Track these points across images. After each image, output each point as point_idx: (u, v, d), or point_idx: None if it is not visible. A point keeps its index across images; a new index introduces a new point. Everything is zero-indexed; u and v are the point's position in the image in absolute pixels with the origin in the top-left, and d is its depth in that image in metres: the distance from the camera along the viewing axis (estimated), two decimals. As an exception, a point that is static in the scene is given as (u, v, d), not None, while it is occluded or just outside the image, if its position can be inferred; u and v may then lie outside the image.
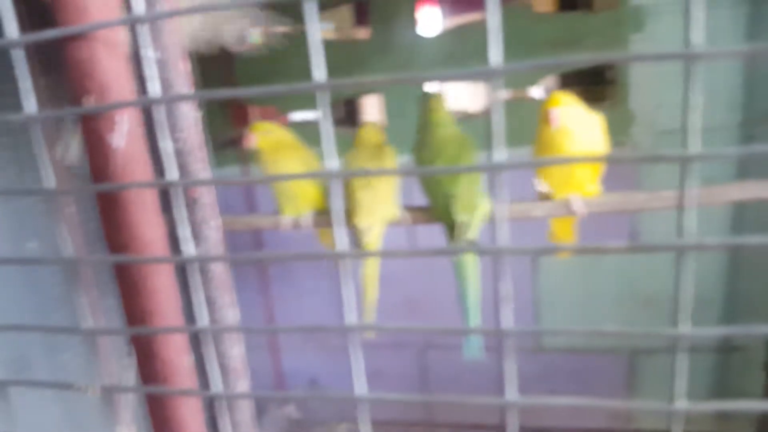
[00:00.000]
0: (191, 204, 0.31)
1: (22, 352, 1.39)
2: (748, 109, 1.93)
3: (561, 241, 1.69)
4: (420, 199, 1.77)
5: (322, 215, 1.54)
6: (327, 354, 2.49)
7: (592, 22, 1.97)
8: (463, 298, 1.50)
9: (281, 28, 2.30)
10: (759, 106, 1.92)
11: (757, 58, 0.24)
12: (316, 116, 2.46)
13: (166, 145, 0.25)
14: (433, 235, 1.61)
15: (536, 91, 2.88)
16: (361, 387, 0.29)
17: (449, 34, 2.14)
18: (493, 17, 0.24)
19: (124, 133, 0.29)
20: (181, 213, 0.26)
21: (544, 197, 1.54)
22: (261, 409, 2.60)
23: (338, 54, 2.23)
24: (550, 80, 2.96)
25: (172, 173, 0.26)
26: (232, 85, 2.30)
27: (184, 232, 0.27)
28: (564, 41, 1.97)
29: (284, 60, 2.25)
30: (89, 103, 0.28)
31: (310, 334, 2.47)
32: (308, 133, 1.81)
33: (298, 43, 2.25)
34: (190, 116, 0.30)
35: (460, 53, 2.11)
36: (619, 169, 2.04)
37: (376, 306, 1.59)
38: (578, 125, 1.41)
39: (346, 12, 2.39)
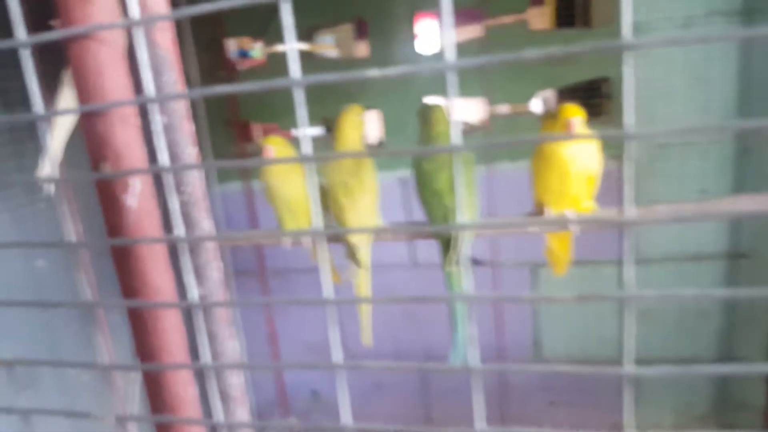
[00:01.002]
0: (195, 250, 0.34)
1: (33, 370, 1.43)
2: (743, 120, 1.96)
3: (558, 257, 1.72)
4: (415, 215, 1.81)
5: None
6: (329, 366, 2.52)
7: (588, 38, 2.01)
8: (452, 311, 1.52)
9: (281, 45, 2.35)
10: (754, 116, 1.95)
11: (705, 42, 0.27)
12: (319, 132, 2.49)
13: (174, 205, 0.29)
14: (431, 249, 1.64)
15: (535, 105, 2.91)
16: (347, 417, 0.32)
17: (443, 52, 2.18)
18: (447, 16, 0.27)
19: (136, 194, 0.32)
20: (186, 264, 0.29)
21: (540, 212, 1.57)
22: (264, 420, 2.62)
23: (338, 70, 2.26)
24: (548, 94, 2.99)
25: (180, 230, 0.29)
26: (234, 102, 2.34)
27: (190, 280, 0.30)
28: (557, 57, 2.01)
29: (284, 76, 2.29)
30: (106, 169, 0.32)
31: (311, 346, 2.49)
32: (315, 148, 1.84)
33: (300, 59, 2.29)
34: (195, 171, 0.33)
35: (459, 70, 2.15)
36: (616, 184, 2.07)
37: (371, 319, 1.62)
38: (581, 143, 1.44)
39: (347, 28, 2.43)
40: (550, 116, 1.48)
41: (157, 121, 0.28)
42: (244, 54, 2.51)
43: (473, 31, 2.21)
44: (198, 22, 2.27)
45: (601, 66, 2.01)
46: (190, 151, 0.33)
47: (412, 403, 2.51)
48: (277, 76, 2.28)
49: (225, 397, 0.36)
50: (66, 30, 0.28)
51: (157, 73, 0.31)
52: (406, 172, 2.15)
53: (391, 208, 2.25)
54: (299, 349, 2.54)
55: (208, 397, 0.35)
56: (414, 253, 2.34)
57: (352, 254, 1.51)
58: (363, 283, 1.57)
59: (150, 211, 0.33)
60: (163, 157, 0.28)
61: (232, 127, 2.38)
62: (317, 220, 0.31)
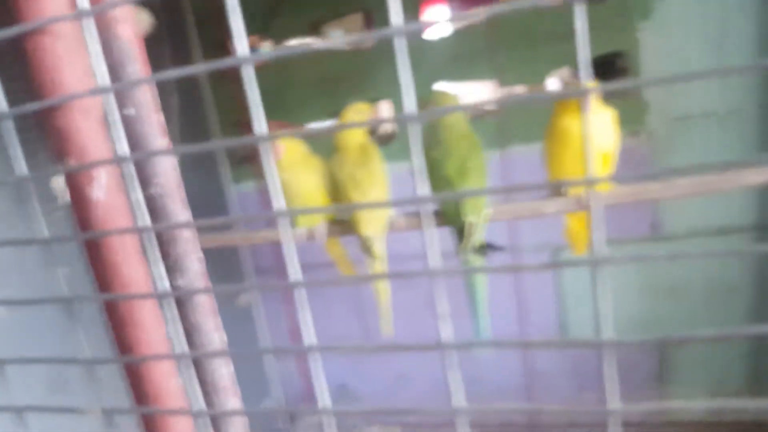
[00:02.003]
0: (173, 241, 0.34)
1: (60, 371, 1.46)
2: (766, 92, 1.91)
3: (577, 237, 1.69)
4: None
5: (334, 225, 1.57)
6: (354, 358, 2.52)
7: (600, 12, 1.96)
8: (472, 300, 1.51)
9: (289, 41, 2.35)
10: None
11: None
12: (332, 125, 2.49)
13: (137, 196, 0.28)
14: (447, 238, 1.62)
15: (552, 84, 2.87)
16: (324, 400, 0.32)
17: (454, 36, 2.15)
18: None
19: (103, 187, 0.32)
20: (153, 254, 0.29)
21: (557, 194, 1.54)
22: (293, 415, 2.64)
23: (345, 62, 2.25)
24: (564, 71, 2.94)
25: (144, 220, 0.29)
26: (242, 103, 2.35)
27: (158, 270, 0.30)
28: (568, 34, 1.97)
29: (292, 73, 2.29)
30: (69, 164, 0.31)
31: (336, 338, 2.50)
32: (320, 143, 1.84)
33: (305, 56, 2.29)
34: (167, 163, 0.33)
35: (468, 54, 2.12)
36: (636, 160, 2.03)
37: (391, 309, 1.62)
38: (597, 116, 1.41)
39: (356, 19, 2.42)
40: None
41: (114, 111, 0.28)
42: (254, 54, 2.52)
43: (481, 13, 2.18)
44: (202, 24, 2.28)
45: (614, 40, 1.97)
46: (160, 143, 0.33)
47: (438, 393, 2.51)
48: (284, 72, 2.28)
49: (214, 388, 0.36)
50: (18, 26, 0.28)
51: (120, 66, 0.31)
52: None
53: (405, 196, 2.25)
54: (323, 341, 2.55)
55: (201, 388, 0.35)
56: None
57: (366, 247, 1.51)
58: (379, 272, 1.57)
59: (118, 203, 0.33)
60: (123, 147, 0.28)
61: (242, 129, 2.39)
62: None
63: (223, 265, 2.32)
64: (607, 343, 0.27)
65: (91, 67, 0.27)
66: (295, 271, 0.30)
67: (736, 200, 2.00)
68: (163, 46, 2.01)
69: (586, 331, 2.28)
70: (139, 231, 0.28)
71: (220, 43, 2.31)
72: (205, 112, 2.36)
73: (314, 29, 2.37)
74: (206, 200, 2.26)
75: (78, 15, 0.26)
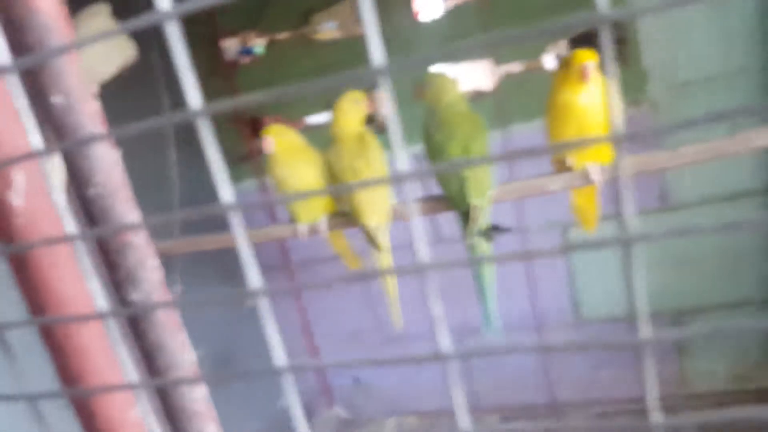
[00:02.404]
0: (122, 249, 0.30)
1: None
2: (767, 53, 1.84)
3: (585, 212, 1.64)
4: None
5: (336, 218, 1.53)
6: (367, 351, 2.49)
7: (593, -19, 1.90)
8: (479, 285, 1.47)
9: (281, 35, 2.29)
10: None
11: None
12: (325, 118, 2.45)
13: (58, 198, 0.24)
14: (455, 223, 1.58)
15: (548, 60, 2.81)
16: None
17: (446, 16, 2.10)
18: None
19: (21, 191, 0.28)
20: (85, 265, 0.25)
21: (563, 168, 1.49)
22: (310, 411, 2.62)
23: (339, 52, 2.21)
24: (560, 46, 2.88)
25: (70, 227, 0.25)
26: (235, 95, 2.31)
27: (93, 285, 0.26)
28: (564, 5, 1.91)
29: (285, 66, 2.25)
30: None
31: (348, 332, 2.47)
32: (318, 136, 1.80)
33: (297, 48, 2.24)
34: (108, 158, 0.29)
35: (461, 33, 2.07)
36: (640, 129, 1.97)
37: (398, 300, 1.58)
38: (597, 87, 1.36)
39: (348, 6, 2.37)
40: (563, 65, 1.40)
41: (20, 95, 0.23)
42: (248, 51, 2.47)
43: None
44: (191, 22, 2.23)
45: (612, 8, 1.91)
46: (95, 129, 0.29)
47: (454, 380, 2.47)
48: (278, 66, 2.23)
49: (186, 414, 0.32)
50: None
51: (40, 44, 0.27)
52: (420, 147, 2.08)
53: (409, 183, 2.20)
54: (337, 337, 2.52)
55: (170, 415, 0.31)
56: (437, 228, 2.28)
57: (370, 239, 1.47)
58: (385, 265, 1.53)
59: (43, 209, 0.29)
60: (36, 139, 0.23)
61: (238, 125, 2.35)
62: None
63: (225, 263, 2.28)
64: (644, 342, 0.23)
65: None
66: (255, 279, 0.26)
67: (745, 164, 1.94)
68: (150, 44, 1.96)
69: (600, 309, 2.24)
70: (66, 240, 0.24)
71: (211, 41, 2.26)
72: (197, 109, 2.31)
73: (304, 20, 2.31)
74: (205, 201, 2.23)
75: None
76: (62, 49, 0.21)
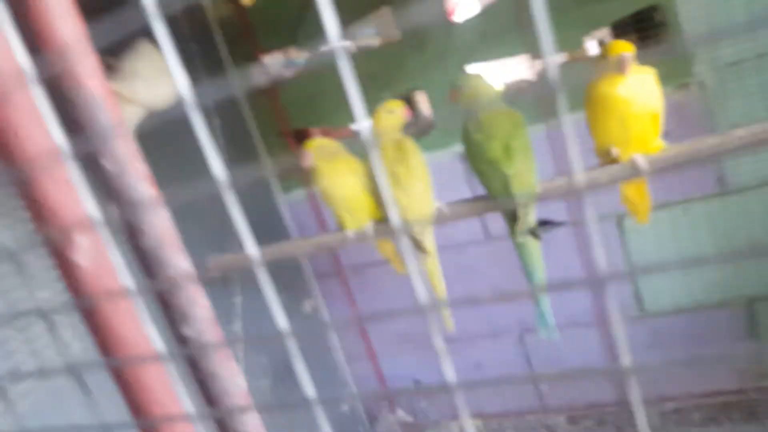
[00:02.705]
0: (174, 291, 0.34)
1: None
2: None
3: (636, 204, 1.61)
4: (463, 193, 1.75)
5: (382, 224, 1.56)
6: (426, 353, 2.51)
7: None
8: (530, 281, 1.47)
9: (322, 50, 2.35)
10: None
11: None
12: (366, 125, 2.48)
13: (116, 259, 0.28)
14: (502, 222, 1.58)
15: (591, 47, 2.75)
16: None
17: (481, 15, 2.09)
18: None
19: (85, 251, 0.32)
20: (143, 315, 0.28)
21: (610, 161, 1.47)
22: (372, 416, 2.66)
23: (376, 58, 2.23)
24: (603, 33, 2.81)
25: (128, 282, 0.28)
26: (280, 111, 2.37)
27: (150, 331, 0.29)
28: (595, -2, 1.87)
29: (326, 76, 2.29)
30: (46, 231, 0.31)
31: (402, 334, 2.49)
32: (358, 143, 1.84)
33: (335, 61, 2.28)
34: (158, 215, 0.32)
35: (497, 31, 2.06)
36: (688, 115, 1.91)
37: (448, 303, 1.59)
38: (636, 76, 1.33)
39: (386, 12, 2.39)
40: (601, 57, 1.39)
41: (76, 173, 0.27)
42: (292, 64, 2.54)
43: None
44: (231, 41, 2.31)
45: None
46: (144, 192, 0.32)
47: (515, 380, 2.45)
48: (318, 78, 2.28)
49: (241, 436, 0.36)
50: None
51: (90, 121, 0.30)
52: (460, 147, 2.09)
53: (454, 183, 2.20)
54: (392, 340, 2.55)
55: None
56: (486, 226, 2.27)
57: (415, 242, 1.49)
58: (433, 269, 1.55)
59: (104, 265, 0.33)
60: (93, 210, 0.27)
61: (286, 138, 2.41)
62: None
63: (283, 272, 2.35)
64: (627, 371, 0.24)
65: (47, 133, 0.26)
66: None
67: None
68: (195, 63, 2.05)
69: (663, 299, 2.18)
70: (125, 294, 0.28)
71: (251, 57, 2.34)
72: (246, 128, 2.39)
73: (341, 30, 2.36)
74: (258, 213, 2.30)
75: (27, 82, 0.25)
76: (111, 126, 0.24)
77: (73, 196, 0.31)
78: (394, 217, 0.29)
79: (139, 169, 0.31)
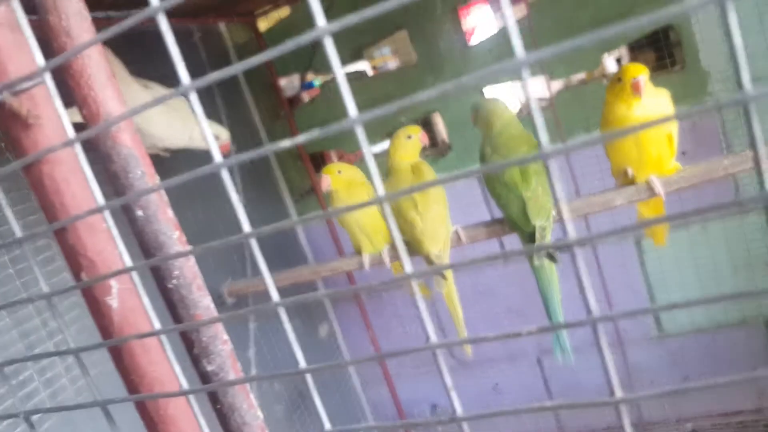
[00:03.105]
0: (198, 329, 0.35)
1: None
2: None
3: (654, 228, 1.60)
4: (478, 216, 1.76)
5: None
6: (440, 377, 2.49)
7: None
8: (547, 305, 1.46)
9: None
10: None
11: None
12: (383, 148, 2.51)
13: (145, 301, 0.30)
14: (520, 243, 1.58)
15: (610, 64, 2.76)
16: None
17: (496, 37, 2.12)
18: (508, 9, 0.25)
19: (116, 295, 0.34)
20: (170, 355, 0.30)
21: (627, 182, 1.47)
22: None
23: (393, 80, 2.26)
24: (622, 51, 2.82)
25: (154, 321, 0.30)
26: (295, 134, 2.40)
27: (176, 369, 0.31)
28: (611, 18, 1.89)
29: (340, 103, 2.33)
30: (83, 278, 0.33)
31: (421, 360, 2.49)
32: (379, 165, 1.86)
33: (352, 83, 2.32)
34: (188, 260, 0.34)
35: (511, 52, 2.07)
36: (707, 136, 1.91)
37: (465, 326, 1.59)
38: (651, 98, 1.34)
39: (403, 36, 2.44)
40: (616, 79, 1.39)
41: (111, 225, 0.29)
42: (308, 86, 2.59)
43: (516, 11, 2.14)
44: (250, 70, 2.36)
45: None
46: (172, 239, 0.34)
47: (533, 401, 2.43)
48: (334, 101, 2.31)
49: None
50: (18, 161, 0.30)
51: (124, 172, 0.33)
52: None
53: (473, 205, 2.20)
54: (409, 364, 2.54)
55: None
56: (504, 248, 2.27)
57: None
58: (450, 292, 1.55)
59: (133, 307, 0.35)
60: (126, 260, 0.29)
61: (301, 161, 2.44)
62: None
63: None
64: (619, 401, 0.25)
65: (86, 184, 0.28)
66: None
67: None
68: (211, 88, 2.09)
69: (680, 319, 2.15)
70: (155, 334, 0.30)
71: (269, 85, 2.38)
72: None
73: (356, 55, 2.39)
74: (275, 238, 2.32)
75: (69, 143, 0.27)
76: (145, 185, 0.26)
77: (109, 243, 0.33)
78: (406, 263, 0.30)
79: (168, 216, 0.33)
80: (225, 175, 0.28)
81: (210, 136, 0.29)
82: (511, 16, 0.26)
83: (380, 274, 2.23)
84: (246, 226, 0.30)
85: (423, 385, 2.55)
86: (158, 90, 1.44)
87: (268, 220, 2.24)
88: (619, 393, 0.29)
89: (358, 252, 1.62)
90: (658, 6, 1.83)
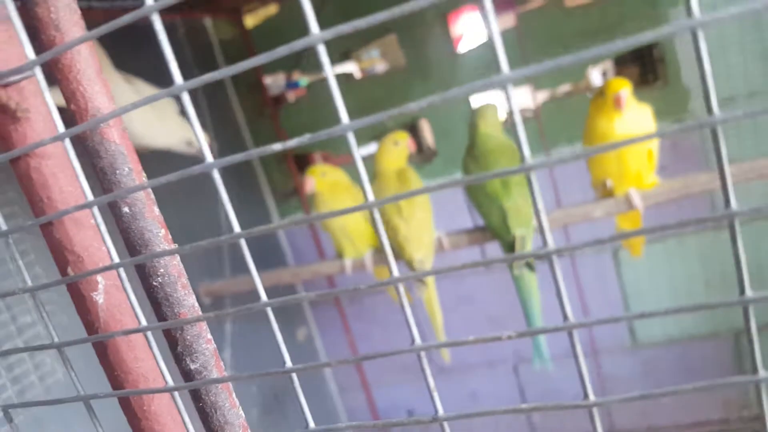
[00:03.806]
0: (182, 328, 0.35)
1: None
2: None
3: (631, 239, 1.63)
4: (463, 222, 1.77)
5: (381, 252, 1.58)
6: (420, 383, 2.50)
7: (627, 6, 1.90)
8: (527, 314, 1.48)
9: (324, 75, 2.38)
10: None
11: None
12: (371, 150, 2.51)
13: (131, 297, 0.30)
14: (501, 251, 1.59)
15: (595, 77, 2.79)
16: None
17: (484, 45, 2.14)
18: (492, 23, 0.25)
19: (102, 291, 0.33)
20: (155, 351, 0.30)
21: (606, 194, 1.50)
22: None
23: (380, 84, 2.26)
24: (607, 65, 2.86)
25: (140, 317, 0.30)
26: (281, 136, 2.39)
27: (161, 366, 0.31)
28: (599, 30, 1.92)
29: (329, 101, 2.31)
30: (70, 272, 0.33)
31: (398, 364, 2.49)
32: (366, 169, 1.86)
33: (339, 86, 2.32)
34: (173, 257, 0.34)
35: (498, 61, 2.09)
36: (685, 150, 1.95)
37: (444, 332, 1.60)
38: (632, 114, 1.36)
39: (391, 39, 2.44)
40: (599, 93, 1.42)
41: (100, 221, 0.29)
42: (294, 85, 2.57)
43: (505, 21, 2.16)
44: (233, 63, 2.33)
45: (646, 30, 1.90)
46: (158, 233, 0.34)
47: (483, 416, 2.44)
48: (321, 103, 2.31)
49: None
50: (5, 155, 0.30)
51: (111, 168, 0.33)
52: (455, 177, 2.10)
53: (456, 212, 2.22)
54: (387, 370, 2.54)
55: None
56: (485, 256, 2.29)
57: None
58: (431, 299, 1.56)
59: (119, 303, 0.35)
60: (114, 256, 0.29)
61: (286, 162, 2.43)
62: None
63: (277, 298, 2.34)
64: (592, 404, 0.26)
65: (75, 179, 0.28)
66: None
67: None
68: (196, 89, 2.07)
69: (654, 330, 2.19)
70: (141, 331, 0.30)
71: (254, 83, 2.36)
72: (245, 150, 2.41)
73: (345, 57, 2.40)
74: (255, 238, 2.31)
75: (59, 137, 0.27)
76: (133, 181, 0.26)
77: (96, 239, 0.33)
78: (394, 267, 0.31)
79: (155, 213, 0.33)
80: (216, 176, 0.28)
81: (201, 135, 0.29)
82: (496, 31, 0.26)
83: (362, 279, 2.24)
84: (236, 227, 0.30)
85: (400, 392, 2.55)
86: (140, 85, 1.43)
87: (249, 220, 2.22)
88: (592, 397, 0.30)
89: (340, 256, 1.62)
90: (645, 20, 1.87)
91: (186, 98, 0.27)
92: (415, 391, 2.52)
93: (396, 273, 0.31)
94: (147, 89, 1.42)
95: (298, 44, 0.28)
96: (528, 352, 2.31)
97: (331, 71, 0.29)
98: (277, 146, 0.28)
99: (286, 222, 0.32)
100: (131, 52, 1.46)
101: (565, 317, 0.30)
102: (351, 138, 0.30)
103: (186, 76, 0.27)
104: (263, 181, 2.44)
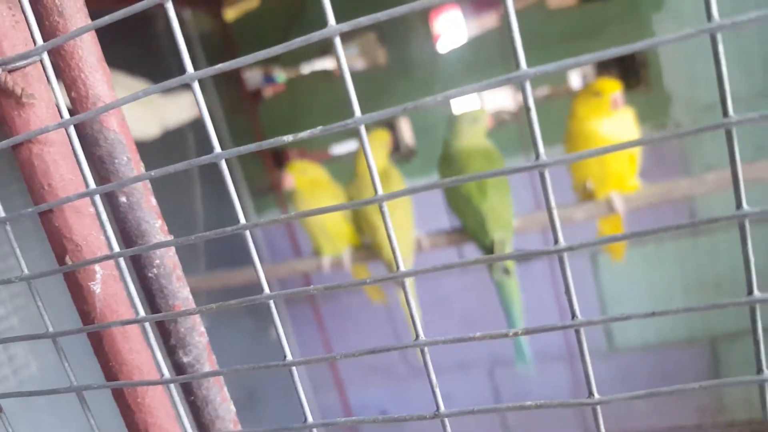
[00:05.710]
0: (175, 320, 0.35)
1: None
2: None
3: (612, 243, 1.65)
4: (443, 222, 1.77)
5: (359, 251, 1.57)
6: (393, 384, 2.50)
7: (610, 9, 1.93)
8: (508, 316, 1.49)
9: (303, 70, 2.36)
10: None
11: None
12: (352, 148, 2.50)
13: (130, 287, 0.29)
14: (479, 254, 1.60)
15: (575, 80, 2.82)
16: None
17: (467, 46, 2.14)
18: (513, 18, 0.25)
19: (100, 281, 0.33)
20: (151, 343, 0.29)
21: (587, 197, 1.51)
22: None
23: (360, 81, 2.25)
24: (587, 68, 2.89)
25: (138, 307, 0.29)
26: (258, 132, 2.37)
27: (157, 355, 0.30)
28: (581, 33, 1.94)
29: (309, 96, 2.30)
30: (68, 261, 0.32)
31: (374, 364, 2.49)
32: (343, 166, 1.85)
33: (318, 82, 2.30)
34: (169, 249, 0.34)
35: (481, 62, 2.10)
36: (666, 155, 1.98)
37: (422, 329, 1.60)
38: (618, 116, 1.37)
39: (370, 37, 2.43)
40: (589, 93, 1.42)
41: (101, 210, 0.28)
42: (270, 80, 2.54)
43: (488, 21, 2.17)
44: (212, 57, 2.30)
45: (630, 35, 1.93)
46: (155, 223, 0.34)
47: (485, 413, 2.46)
48: (300, 98, 2.29)
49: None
50: (6, 140, 0.29)
51: (110, 156, 0.32)
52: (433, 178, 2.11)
53: (435, 214, 2.22)
54: (361, 369, 2.53)
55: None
56: (462, 257, 2.30)
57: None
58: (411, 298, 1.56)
59: (115, 293, 0.34)
60: (114, 246, 0.28)
61: (263, 158, 2.41)
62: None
63: (251, 296, 2.32)
64: (595, 402, 0.26)
65: (75, 167, 0.27)
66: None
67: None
68: (173, 77, 2.03)
69: (631, 334, 2.22)
70: (138, 322, 0.29)
71: (233, 77, 2.34)
72: (222, 148, 2.38)
73: (325, 53, 2.38)
74: (231, 235, 2.28)
75: (63, 124, 0.26)
76: (131, 171, 0.26)
77: (95, 228, 0.32)
78: (400, 262, 0.30)
79: (152, 204, 0.33)
80: (223, 166, 0.27)
81: (210, 126, 0.29)
82: (516, 28, 0.26)
83: (339, 277, 2.23)
84: (242, 218, 0.29)
85: (373, 391, 2.54)
86: (118, 77, 1.40)
87: (224, 214, 2.19)
88: (596, 395, 0.30)
89: (317, 253, 1.61)
90: (627, 24, 1.90)
91: (196, 87, 0.26)
92: (388, 390, 2.52)
93: (402, 268, 0.31)
94: (127, 81, 1.40)
95: (314, 36, 0.27)
96: (503, 354, 2.33)
97: (346, 66, 0.29)
98: (288, 137, 0.28)
99: (291, 215, 0.31)
100: (108, 41, 1.42)
101: (573, 315, 0.30)
102: (362, 130, 0.30)
103: (164, 67, 0.26)
104: (239, 177, 2.41)
